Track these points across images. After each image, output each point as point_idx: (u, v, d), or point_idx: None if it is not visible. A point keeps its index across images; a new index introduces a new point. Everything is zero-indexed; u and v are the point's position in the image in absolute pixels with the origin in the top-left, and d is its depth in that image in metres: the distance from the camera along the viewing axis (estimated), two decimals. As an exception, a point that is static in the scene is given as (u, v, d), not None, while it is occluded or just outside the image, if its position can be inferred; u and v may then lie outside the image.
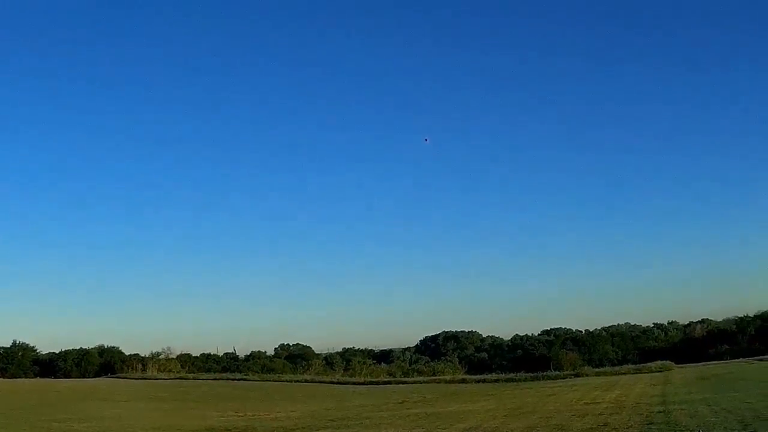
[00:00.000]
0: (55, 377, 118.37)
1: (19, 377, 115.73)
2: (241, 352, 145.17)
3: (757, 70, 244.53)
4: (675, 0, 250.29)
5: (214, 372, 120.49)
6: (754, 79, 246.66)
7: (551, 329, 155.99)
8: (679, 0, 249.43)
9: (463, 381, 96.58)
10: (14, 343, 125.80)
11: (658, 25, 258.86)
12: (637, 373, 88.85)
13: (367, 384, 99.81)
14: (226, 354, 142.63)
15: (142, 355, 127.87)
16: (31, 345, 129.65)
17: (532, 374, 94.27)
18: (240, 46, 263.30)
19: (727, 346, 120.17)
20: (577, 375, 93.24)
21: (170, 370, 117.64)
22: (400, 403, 63.26)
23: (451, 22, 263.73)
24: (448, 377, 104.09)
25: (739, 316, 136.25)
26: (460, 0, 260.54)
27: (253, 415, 54.44)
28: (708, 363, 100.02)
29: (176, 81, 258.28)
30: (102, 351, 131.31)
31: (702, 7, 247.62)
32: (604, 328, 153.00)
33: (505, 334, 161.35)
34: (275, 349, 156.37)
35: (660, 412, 38.97)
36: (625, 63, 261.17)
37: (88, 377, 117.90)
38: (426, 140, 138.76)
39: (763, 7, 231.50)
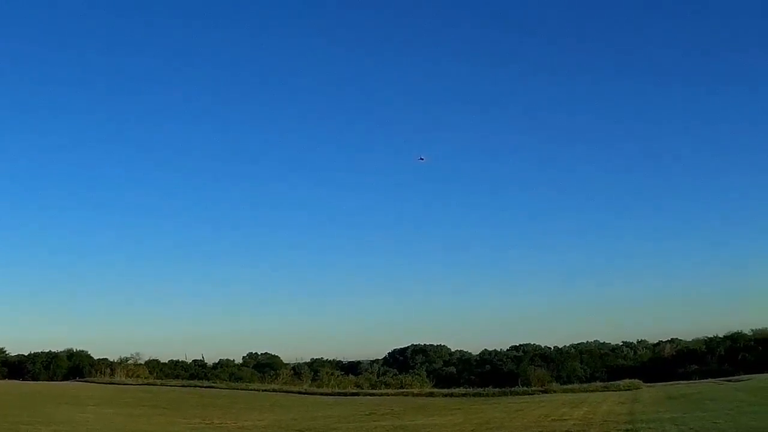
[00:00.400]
0: (23, 379, 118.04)
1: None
2: (210, 360, 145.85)
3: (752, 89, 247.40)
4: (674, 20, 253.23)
5: (182, 379, 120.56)
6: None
7: (520, 345, 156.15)
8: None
9: (431, 394, 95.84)
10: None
11: (656, 43, 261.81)
12: (605, 390, 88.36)
13: (334, 395, 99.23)
14: (194, 361, 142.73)
15: (111, 360, 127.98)
16: (0, 347, 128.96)
17: (499, 389, 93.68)
18: (237, 54, 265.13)
19: (696, 366, 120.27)
20: (545, 391, 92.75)
21: (138, 376, 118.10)
22: (368, 414, 62.83)
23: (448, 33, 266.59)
24: (415, 390, 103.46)
25: (709, 336, 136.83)
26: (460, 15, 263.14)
27: (220, 423, 54.24)
28: (677, 382, 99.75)
29: (158, 90, 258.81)
30: (71, 355, 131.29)
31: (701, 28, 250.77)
32: (572, 345, 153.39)
33: (474, 348, 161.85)
34: (243, 357, 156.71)
35: (628, 430, 38.70)
36: (615, 79, 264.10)
37: (57, 380, 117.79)
38: (421, 159, 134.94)
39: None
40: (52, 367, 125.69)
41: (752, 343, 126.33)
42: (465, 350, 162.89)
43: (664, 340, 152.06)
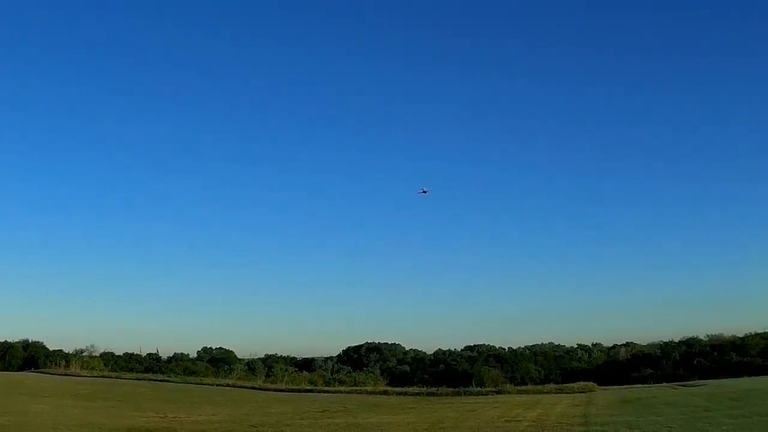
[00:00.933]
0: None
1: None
2: (164, 354, 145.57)
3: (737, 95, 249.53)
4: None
5: (137, 372, 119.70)
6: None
7: (474, 345, 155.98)
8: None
9: (385, 393, 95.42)
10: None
11: (648, 49, 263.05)
12: (559, 392, 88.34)
13: (288, 391, 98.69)
14: (148, 354, 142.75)
15: (66, 352, 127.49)
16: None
17: (453, 389, 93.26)
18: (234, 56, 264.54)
19: (650, 370, 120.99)
20: (498, 392, 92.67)
21: (93, 368, 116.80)
22: (321, 412, 62.41)
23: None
24: (369, 388, 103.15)
25: (664, 340, 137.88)
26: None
27: (174, 417, 53.60)
28: (631, 386, 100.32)
29: (150, 90, 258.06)
30: (26, 345, 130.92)
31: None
32: (527, 347, 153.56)
33: (428, 348, 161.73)
34: (198, 352, 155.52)
35: (581, 432, 38.44)
36: (614, 84, 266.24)
37: (12, 371, 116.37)
38: (424, 191, 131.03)
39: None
40: (7, 357, 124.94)
41: (708, 348, 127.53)
42: (419, 349, 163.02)
43: (619, 344, 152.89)
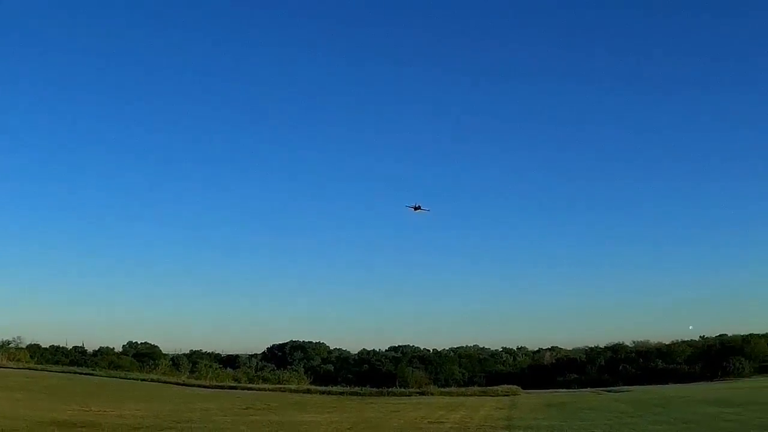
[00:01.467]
0: None
1: None
2: (90, 347, 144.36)
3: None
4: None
5: (62, 365, 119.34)
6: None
7: (399, 346, 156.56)
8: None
9: (308, 391, 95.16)
10: None
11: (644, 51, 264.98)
12: (483, 395, 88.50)
13: (212, 387, 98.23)
14: (74, 348, 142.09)
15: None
16: None
17: (377, 389, 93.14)
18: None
19: (575, 375, 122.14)
20: (422, 393, 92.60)
21: (19, 360, 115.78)
22: (245, 409, 62.30)
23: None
24: (293, 386, 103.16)
25: (590, 346, 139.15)
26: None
27: (98, 411, 53.02)
28: (556, 390, 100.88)
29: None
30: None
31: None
32: (452, 349, 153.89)
33: (353, 347, 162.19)
34: (123, 346, 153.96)
35: (505, 436, 38.27)
36: (612, 85, 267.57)
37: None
38: (418, 208, 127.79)
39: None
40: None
41: (633, 354, 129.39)
42: (344, 349, 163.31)
43: (544, 348, 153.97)
